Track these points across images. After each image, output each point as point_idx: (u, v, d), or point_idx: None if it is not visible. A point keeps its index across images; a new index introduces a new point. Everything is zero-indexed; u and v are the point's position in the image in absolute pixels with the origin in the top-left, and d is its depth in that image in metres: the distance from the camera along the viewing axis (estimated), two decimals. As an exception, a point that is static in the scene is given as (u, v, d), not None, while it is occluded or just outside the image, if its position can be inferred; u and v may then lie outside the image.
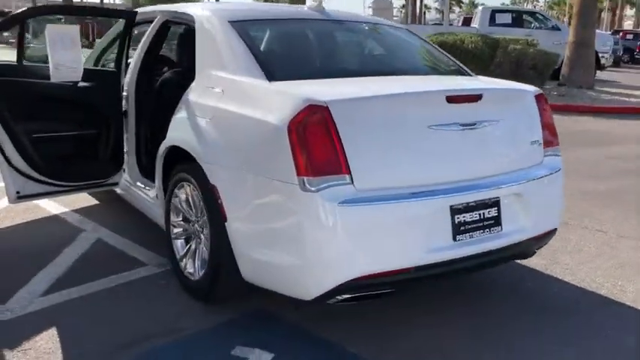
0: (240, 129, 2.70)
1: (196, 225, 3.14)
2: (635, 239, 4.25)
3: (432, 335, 2.86)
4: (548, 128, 3.14)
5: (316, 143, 2.44)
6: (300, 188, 2.41)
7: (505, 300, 3.27)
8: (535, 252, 3.19)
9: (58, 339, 2.78)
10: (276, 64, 3.01)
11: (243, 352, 2.71)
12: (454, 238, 2.64)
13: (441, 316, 3.04)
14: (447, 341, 2.82)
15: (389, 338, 2.83)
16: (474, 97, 2.79)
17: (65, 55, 3.45)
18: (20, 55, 3.47)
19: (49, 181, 3.66)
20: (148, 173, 3.98)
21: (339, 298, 2.52)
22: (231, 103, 2.80)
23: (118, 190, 4.12)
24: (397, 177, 2.56)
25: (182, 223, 3.31)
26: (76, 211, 4.55)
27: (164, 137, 3.99)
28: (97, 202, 4.77)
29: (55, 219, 4.38)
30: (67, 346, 2.73)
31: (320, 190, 2.41)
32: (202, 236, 3.09)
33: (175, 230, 3.35)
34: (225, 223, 2.77)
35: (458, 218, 2.65)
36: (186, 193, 3.16)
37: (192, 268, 3.19)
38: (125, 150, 3.97)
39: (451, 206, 2.63)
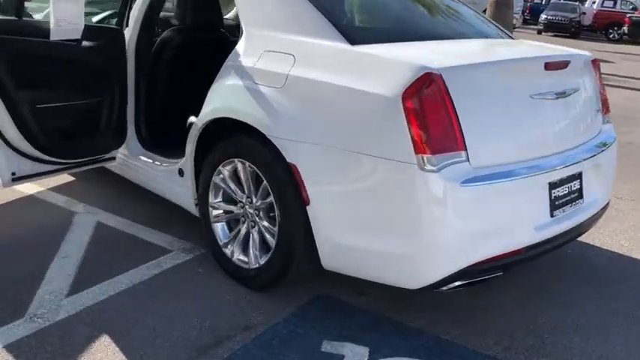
0: (330, 100, 2.37)
1: (248, 207, 2.80)
2: None
3: (523, 315, 2.76)
4: (602, 95, 3.07)
5: (434, 116, 2.18)
6: (418, 168, 2.16)
7: (576, 276, 3.24)
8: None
9: (117, 348, 2.38)
10: (353, 26, 2.68)
11: (334, 347, 2.46)
12: (551, 214, 2.51)
13: (518, 296, 2.95)
14: (535, 319, 2.73)
15: (480, 322, 2.69)
16: (565, 64, 2.63)
17: (68, 8, 2.89)
18: (20, 9, 2.85)
19: (48, 158, 3.11)
20: (151, 145, 3.51)
21: (451, 285, 2.33)
22: (312, 70, 2.45)
23: (112, 164, 3.60)
24: (506, 152, 2.37)
25: (224, 204, 2.94)
26: (54, 189, 3.96)
27: (175, 106, 3.56)
28: (71, 178, 4.20)
29: (35, 201, 3.78)
30: (134, 356, 2.34)
31: (441, 170, 2.17)
32: (259, 220, 2.75)
33: (215, 213, 2.98)
34: (307, 207, 2.46)
35: (554, 193, 2.52)
36: (236, 171, 2.79)
37: (245, 255, 2.85)
38: None
39: (549, 181, 2.49)
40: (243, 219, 2.85)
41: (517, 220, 2.37)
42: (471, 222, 2.24)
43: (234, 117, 2.67)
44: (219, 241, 2.96)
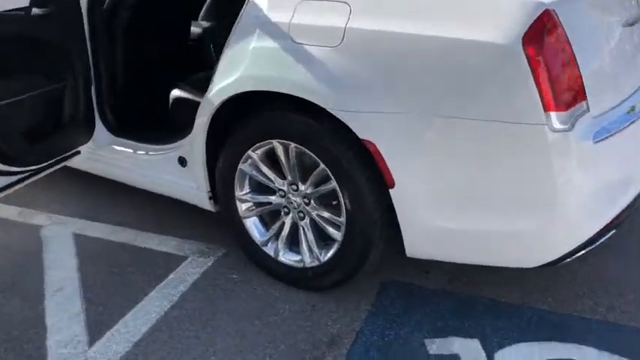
0: (414, 57, 1.88)
1: (292, 196, 2.30)
2: None
3: (592, 273, 2.53)
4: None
5: (559, 62, 1.79)
6: (548, 128, 1.77)
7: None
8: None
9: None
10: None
11: (442, 346, 2.10)
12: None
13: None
14: (606, 274, 2.52)
15: (562, 285, 2.42)
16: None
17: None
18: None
19: (7, 169, 2.39)
20: (121, 131, 2.85)
21: (574, 256, 2.01)
22: (381, 19, 1.92)
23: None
24: (613, 93, 2.04)
25: (255, 195, 2.42)
26: (-4, 199, 3.18)
27: (142, 79, 2.91)
28: (9, 179, 3.40)
29: (-22, 218, 3.01)
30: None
31: (573, 127, 1.80)
32: (311, 210, 2.27)
33: (244, 207, 2.44)
34: (391, 190, 2.01)
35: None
36: (276, 154, 2.26)
37: (295, 253, 2.37)
38: None
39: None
40: (285, 210, 2.35)
41: (632, 171, 2.08)
42: (603, 181, 1.92)
43: (274, 89, 2.11)
44: (255, 240, 2.44)
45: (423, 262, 2.18)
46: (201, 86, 2.77)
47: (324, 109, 2.02)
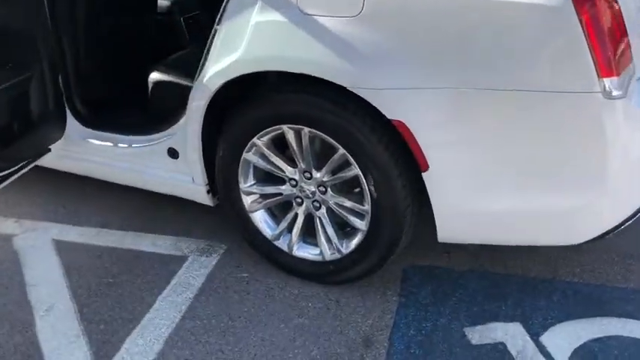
0: (448, 24, 1.67)
1: (306, 185, 2.08)
2: None
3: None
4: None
5: (611, 24, 1.62)
6: (603, 96, 1.61)
7: None
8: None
9: None
10: None
11: (483, 335, 1.96)
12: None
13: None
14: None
15: (587, 254, 2.33)
16: None
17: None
18: None
19: None
20: (94, 122, 2.54)
21: (617, 230, 1.89)
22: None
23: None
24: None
25: (262, 186, 2.19)
26: (-47, 207, 2.83)
27: (111, 61, 2.63)
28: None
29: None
30: None
31: (627, 93, 1.65)
32: (328, 198, 2.07)
33: (250, 200, 2.22)
34: (424, 173, 1.83)
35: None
36: (286, 140, 2.03)
37: (312, 246, 2.18)
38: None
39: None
40: (298, 200, 2.14)
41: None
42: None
43: (286, 68, 1.86)
44: (266, 235, 2.23)
45: (442, 243, 2.03)
46: (184, 67, 2.49)
47: (344, 89, 1.80)
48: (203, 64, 2.08)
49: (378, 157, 1.88)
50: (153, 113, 2.47)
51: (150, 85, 2.46)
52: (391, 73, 1.75)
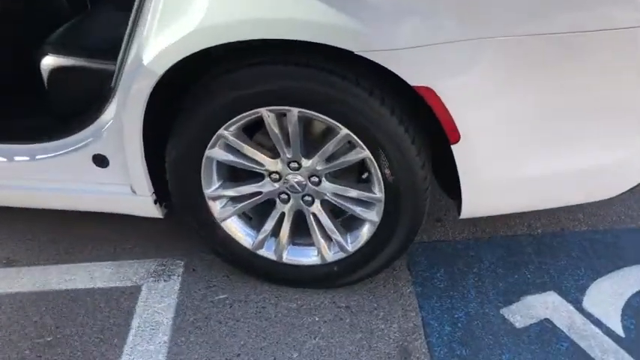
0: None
1: (294, 177, 1.67)
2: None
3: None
4: None
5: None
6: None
7: None
8: None
9: None
10: None
11: (524, 314, 1.73)
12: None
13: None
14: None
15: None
16: None
17: None
18: None
19: None
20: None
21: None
22: None
23: None
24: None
25: (235, 187, 1.74)
26: None
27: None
28: None
29: None
30: None
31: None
32: (322, 191, 1.67)
33: (218, 207, 1.76)
34: (455, 145, 1.49)
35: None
36: (267, 128, 1.58)
37: (304, 249, 1.80)
38: None
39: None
40: (283, 196, 1.72)
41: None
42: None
43: (273, 35, 1.39)
44: (245, 246, 1.79)
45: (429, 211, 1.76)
46: (91, 42, 1.92)
47: (341, 56, 1.39)
48: (132, 37, 1.55)
49: (391, 134, 1.51)
50: (57, 112, 1.88)
51: (45, 74, 1.85)
52: (413, 28, 1.37)
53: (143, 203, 1.83)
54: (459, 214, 1.68)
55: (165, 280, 1.92)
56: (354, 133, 1.53)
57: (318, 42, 1.39)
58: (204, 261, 1.97)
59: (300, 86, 1.49)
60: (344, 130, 1.53)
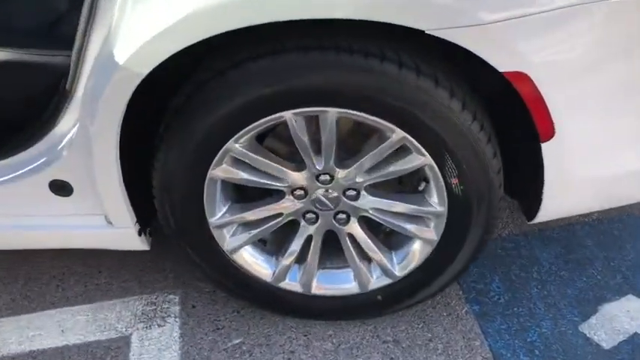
0: None
1: (324, 192, 1.28)
2: None
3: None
4: None
5: None
6: None
7: None
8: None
9: None
10: None
11: (608, 329, 1.44)
12: None
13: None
14: None
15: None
16: None
17: None
18: None
19: None
20: None
21: None
22: None
23: None
24: None
25: (242, 212, 1.34)
26: None
27: None
28: None
29: None
30: None
31: None
32: (361, 207, 1.30)
33: (227, 236, 1.35)
34: (545, 144, 1.14)
35: None
36: (293, 135, 1.18)
37: (335, 275, 1.43)
38: None
39: None
40: (311, 216, 1.33)
41: None
42: None
43: (316, 14, 0.98)
44: (264, 278, 1.41)
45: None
46: (17, 29, 1.45)
47: (391, 38, 1.01)
48: (93, 19, 1.13)
49: (463, 134, 1.14)
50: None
51: None
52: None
53: (123, 236, 1.41)
54: (529, 218, 1.36)
55: (159, 325, 1.52)
56: (413, 136, 1.16)
57: (373, 20, 0.99)
58: (203, 293, 1.59)
59: (341, 80, 1.09)
60: (398, 133, 1.15)
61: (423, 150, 1.17)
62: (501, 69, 1.04)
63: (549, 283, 1.57)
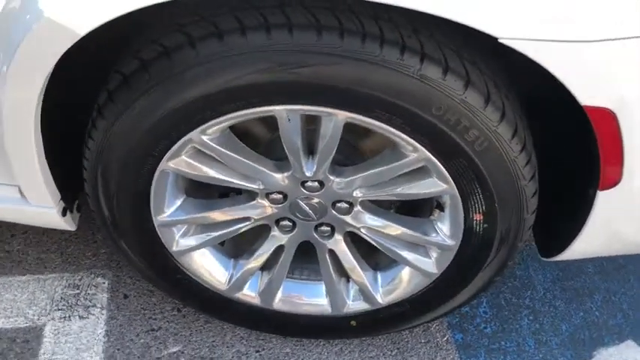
0: None
1: (308, 200, 1.00)
2: None
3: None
4: None
5: None
6: None
7: None
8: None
9: None
10: None
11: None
12: None
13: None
14: None
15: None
16: None
17: None
18: None
19: None
20: None
21: None
22: None
23: None
24: None
25: (199, 213, 1.04)
26: None
27: None
28: None
29: None
30: None
31: None
32: (355, 222, 1.02)
33: (176, 236, 1.06)
34: (601, 192, 0.89)
35: None
36: (281, 131, 0.88)
37: (309, 288, 1.17)
38: None
39: None
40: (286, 224, 1.05)
41: None
42: None
43: None
44: (217, 286, 1.13)
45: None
46: None
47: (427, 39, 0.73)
48: None
49: (506, 168, 0.87)
50: None
51: None
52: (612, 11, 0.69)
53: (42, 215, 1.09)
54: (546, 255, 1.13)
55: (81, 317, 1.24)
56: (440, 160, 0.88)
57: (434, 14, 0.68)
58: (139, 280, 1.31)
59: (367, 78, 0.78)
60: (422, 153, 0.87)
61: (449, 177, 0.90)
62: (585, 102, 0.76)
63: (543, 315, 1.37)
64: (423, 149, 0.87)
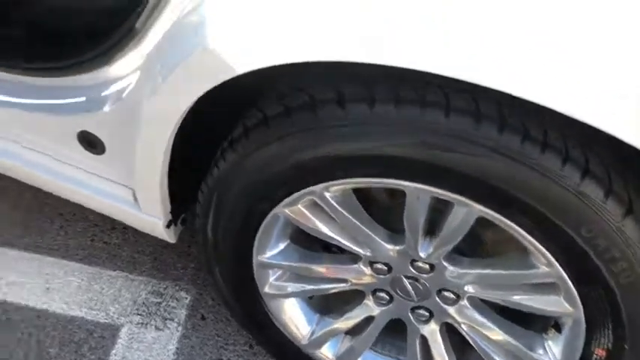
0: None
1: (417, 281, 0.93)
2: None
3: None
4: None
5: None
6: None
7: None
8: None
9: None
10: None
11: None
12: None
13: None
14: None
15: None
16: None
17: None
18: None
19: None
20: None
21: None
22: None
23: None
24: None
25: (301, 263, 1.01)
26: None
27: None
28: None
29: None
30: None
31: None
32: (456, 314, 0.94)
33: (271, 277, 1.02)
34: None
35: None
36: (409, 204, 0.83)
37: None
38: None
39: None
40: (381, 296, 0.98)
41: None
42: None
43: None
44: (298, 337, 1.09)
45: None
46: None
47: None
48: None
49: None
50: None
51: None
52: None
53: (148, 222, 1.10)
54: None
55: (157, 328, 1.24)
56: (574, 281, 0.78)
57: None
58: (219, 304, 1.29)
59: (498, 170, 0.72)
60: (556, 270, 0.78)
61: (578, 302, 0.80)
62: None
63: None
64: (559, 266, 0.78)
